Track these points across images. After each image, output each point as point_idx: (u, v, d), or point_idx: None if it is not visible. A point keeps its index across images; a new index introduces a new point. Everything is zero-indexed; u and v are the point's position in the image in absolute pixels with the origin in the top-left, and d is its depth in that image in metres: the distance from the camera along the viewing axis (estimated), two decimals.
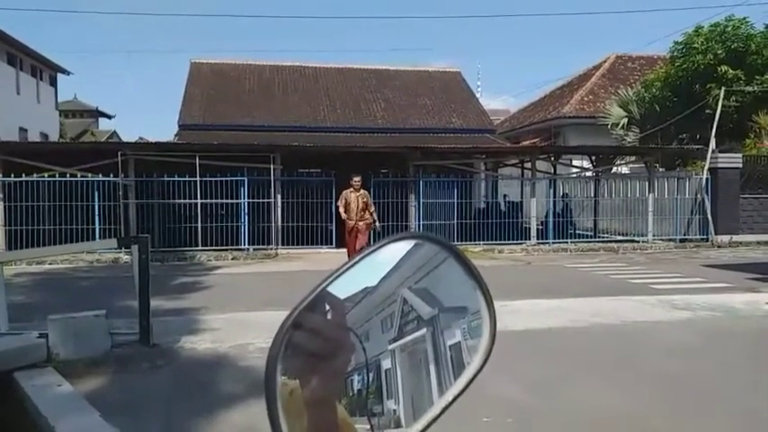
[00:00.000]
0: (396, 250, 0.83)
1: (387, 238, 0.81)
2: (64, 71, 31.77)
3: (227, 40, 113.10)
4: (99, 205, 14.07)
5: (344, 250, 12.17)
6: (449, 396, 0.80)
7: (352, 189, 11.10)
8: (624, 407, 4.20)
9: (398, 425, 0.78)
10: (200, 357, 5.50)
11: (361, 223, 11.19)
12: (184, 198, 14.50)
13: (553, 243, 15.97)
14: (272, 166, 14.82)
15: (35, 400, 4.35)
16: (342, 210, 11.07)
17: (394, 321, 0.81)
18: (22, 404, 4.43)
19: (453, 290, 0.85)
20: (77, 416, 4.01)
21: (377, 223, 11.74)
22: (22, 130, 26.06)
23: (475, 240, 15.61)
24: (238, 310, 7.55)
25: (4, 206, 13.91)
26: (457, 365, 0.82)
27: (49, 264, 12.58)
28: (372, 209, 11.48)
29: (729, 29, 18.14)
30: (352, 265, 0.77)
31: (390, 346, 0.80)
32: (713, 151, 16.65)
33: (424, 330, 0.82)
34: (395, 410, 0.79)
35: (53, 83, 31.88)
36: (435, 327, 0.82)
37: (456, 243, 15.35)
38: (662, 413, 4.12)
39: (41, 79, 30.13)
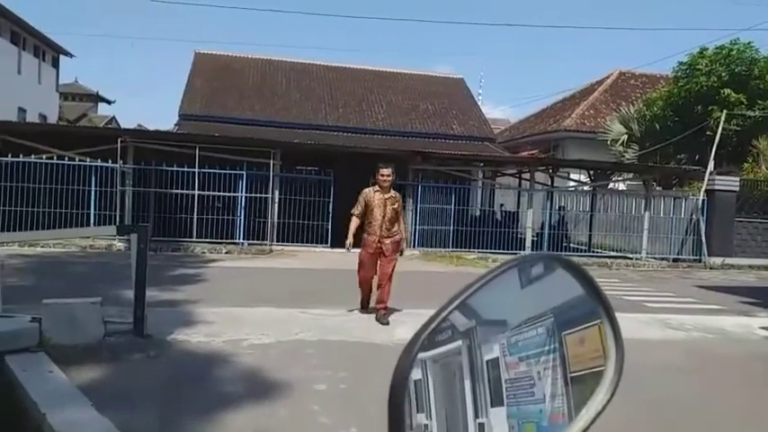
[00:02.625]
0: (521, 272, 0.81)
1: (513, 260, 0.78)
2: (67, 53, 31.64)
3: (231, 31, 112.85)
4: (95, 190, 14.00)
5: (340, 250, 8.43)
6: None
7: (377, 188, 6.97)
8: (611, 426, 4.19)
9: None
10: (193, 351, 5.46)
11: (387, 241, 6.89)
12: (182, 188, 14.44)
13: None
14: (271, 162, 14.79)
15: (26, 385, 4.30)
16: (355, 218, 7.01)
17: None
18: (11, 388, 4.38)
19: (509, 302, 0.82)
20: (68, 403, 3.96)
21: (404, 245, 7.40)
22: (21, 110, 25.92)
23: (470, 248, 15.61)
24: (232, 304, 7.52)
25: (0, 186, 13.79)
26: (494, 383, 0.79)
27: (42, 247, 12.47)
28: (404, 221, 7.39)
29: (734, 52, 18.25)
30: (475, 291, 0.75)
31: (421, 356, 0.74)
32: (711, 173, 16.75)
33: (459, 342, 0.78)
34: (426, 425, 0.76)
35: (55, 64, 31.73)
36: (472, 340, 0.78)
37: (451, 250, 15.51)
38: None
39: (44, 60, 29.99)
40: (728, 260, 16.32)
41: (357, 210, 7.02)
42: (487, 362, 0.79)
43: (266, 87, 22.36)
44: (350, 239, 7.12)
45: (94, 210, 13.95)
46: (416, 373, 0.74)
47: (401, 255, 7.28)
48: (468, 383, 0.78)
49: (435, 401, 0.76)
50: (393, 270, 6.95)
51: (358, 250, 7.07)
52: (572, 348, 0.82)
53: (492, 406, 0.78)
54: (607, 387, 0.81)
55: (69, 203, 13.63)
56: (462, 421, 0.76)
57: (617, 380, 0.80)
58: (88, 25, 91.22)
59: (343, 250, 7.43)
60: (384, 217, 6.89)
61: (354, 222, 7.04)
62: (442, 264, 13.89)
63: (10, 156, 13.66)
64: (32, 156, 13.79)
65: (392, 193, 7.04)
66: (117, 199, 13.97)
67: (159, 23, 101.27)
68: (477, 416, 0.77)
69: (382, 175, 6.91)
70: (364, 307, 7.22)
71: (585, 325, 0.85)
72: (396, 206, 7.00)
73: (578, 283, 0.83)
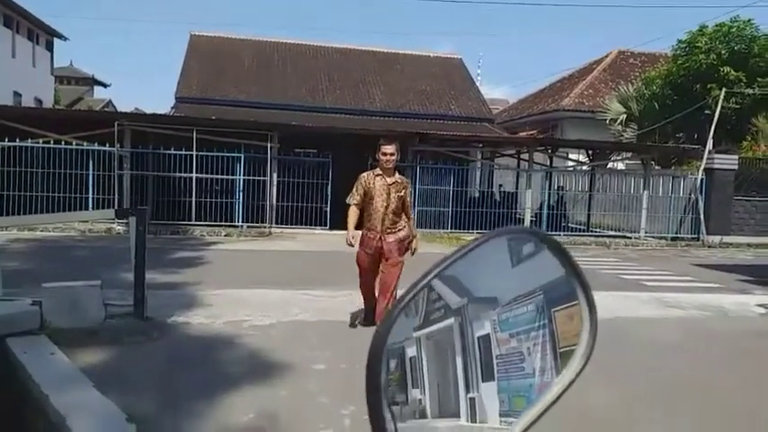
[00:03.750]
0: (498, 245, 0.81)
1: (492, 232, 0.79)
2: (60, 36, 31.36)
3: (227, 12, 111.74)
4: (93, 174, 13.98)
5: (339, 232, 6.52)
6: (549, 398, 0.79)
7: (378, 171, 5.69)
8: (609, 403, 4.24)
9: (423, 415, 0.77)
10: (194, 332, 5.50)
11: (391, 239, 5.60)
12: (179, 172, 14.42)
13: None
14: (269, 144, 14.75)
15: (27, 367, 4.32)
16: (354, 208, 5.68)
17: (419, 308, 0.78)
18: (13, 371, 4.42)
19: (492, 277, 0.83)
20: (71, 385, 3.98)
21: (415, 243, 5.81)
22: (17, 95, 25.77)
23: (468, 229, 15.64)
24: (232, 286, 7.55)
25: None
26: (485, 359, 0.80)
27: (41, 231, 12.50)
28: (410, 211, 5.95)
29: (734, 30, 18.11)
30: (454, 261, 0.75)
31: (415, 334, 0.77)
32: (710, 152, 16.72)
33: (451, 320, 0.79)
34: (420, 400, 0.78)
35: (49, 48, 31.47)
36: (464, 317, 0.80)
37: (450, 231, 15.53)
38: (649, 410, 4.17)
39: (38, 44, 29.73)
40: (726, 238, 16.38)
41: (354, 198, 5.67)
42: (479, 338, 0.80)
43: (263, 69, 22.21)
44: (351, 233, 5.66)
45: (93, 194, 13.96)
46: (411, 351, 0.76)
47: (413, 255, 5.68)
48: (459, 359, 0.79)
49: (429, 377, 0.78)
50: (398, 278, 5.50)
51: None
52: (561, 324, 0.83)
53: (483, 381, 0.80)
54: (581, 356, 0.82)
55: (68, 187, 13.64)
56: (454, 396, 0.78)
57: (590, 348, 0.81)
58: (82, 8, 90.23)
59: (343, 233, 5.93)
60: (387, 207, 5.55)
61: (353, 213, 5.68)
62: (441, 245, 13.90)
63: (7, 140, 13.62)
64: (29, 140, 13.75)
65: (397, 177, 5.69)
66: (115, 183, 13.96)
67: (154, 5, 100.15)
68: (468, 391, 0.79)
69: (384, 154, 5.55)
70: (368, 320, 5.84)
71: (574, 302, 0.86)
72: (402, 193, 5.63)
73: (548, 250, 0.82)
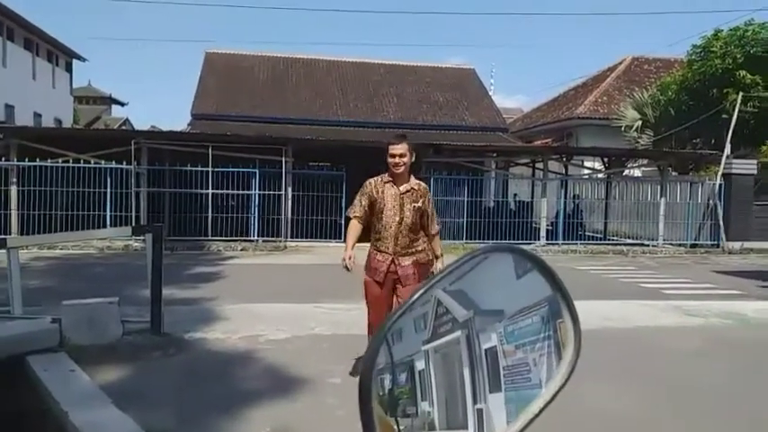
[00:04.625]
0: (491, 263, 0.82)
1: (479, 251, 0.80)
2: (79, 57, 31.97)
3: (241, 30, 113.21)
4: (111, 192, 14.17)
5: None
6: (534, 408, 0.80)
7: (387, 177, 4.57)
8: (631, 412, 4.19)
9: (432, 427, 0.78)
10: (211, 347, 5.53)
11: (407, 262, 4.46)
12: (196, 188, 14.58)
13: (563, 244, 15.92)
14: (283, 159, 14.87)
15: (48, 384, 4.38)
16: (355, 223, 4.61)
17: (427, 322, 0.80)
18: (34, 388, 4.48)
19: (494, 291, 0.84)
20: (90, 402, 4.02)
21: (439, 259, 4.64)
22: (37, 116, 26.28)
23: (484, 239, 15.57)
24: (248, 301, 7.59)
25: (18, 191, 14.02)
26: (492, 370, 0.81)
27: (61, 249, 12.67)
28: (437, 225, 4.73)
29: (749, 33, 17.94)
30: (441, 279, 0.76)
31: (424, 347, 0.79)
32: (728, 157, 16.52)
33: (458, 333, 0.80)
34: (429, 413, 0.79)
35: (68, 69, 32.10)
36: (470, 330, 0.81)
37: (465, 242, 15.46)
38: (669, 419, 4.11)
39: (57, 65, 30.35)
40: (747, 244, 16.13)
41: (356, 209, 4.57)
42: (486, 350, 0.81)
43: (277, 84, 22.43)
44: (347, 252, 4.48)
45: (111, 211, 14.15)
46: (420, 364, 0.78)
47: (436, 263, 4.63)
48: (467, 371, 0.80)
49: (437, 390, 0.79)
50: None
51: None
52: (564, 336, 0.84)
53: (490, 392, 0.81)
54: (561, 374, 0.82)
55: (86, 205, 13.84)
56: (462, 408, 0.79)
57: (572, 366, 0.81)
58: (100, 28, 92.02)
59: (358, 245, 4.61)
60: (401, 223, 4.44)
61: (354, 228, 4.59)
62: (457, 257, 13.86)
63: (27, 160, 13.87)
64: (49, 159, 13.99)
65: (412, 183, 4.56)
66: (132, 200, 14.14)
67: (170, 24, 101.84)
68: (475, 402, 0.80)
69: (392, 156, 4.44)
70: None
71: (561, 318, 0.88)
72: (420, 204, 4.49)
73: (532, 265, 0.83)
